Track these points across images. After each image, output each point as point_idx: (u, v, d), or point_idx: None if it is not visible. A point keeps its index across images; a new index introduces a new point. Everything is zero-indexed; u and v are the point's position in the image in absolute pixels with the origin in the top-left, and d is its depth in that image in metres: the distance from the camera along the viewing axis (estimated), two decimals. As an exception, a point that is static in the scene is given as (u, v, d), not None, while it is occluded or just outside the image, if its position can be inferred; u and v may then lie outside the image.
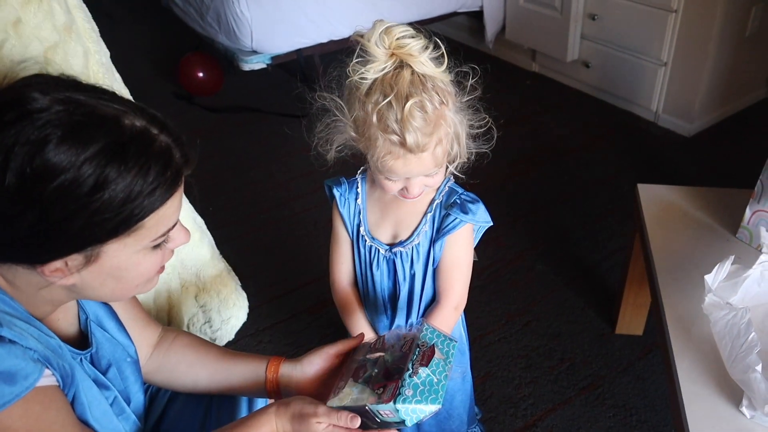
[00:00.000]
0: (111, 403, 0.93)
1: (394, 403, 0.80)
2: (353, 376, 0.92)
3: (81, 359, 0.89)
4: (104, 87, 0.78)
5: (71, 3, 1.28)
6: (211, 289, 1.68)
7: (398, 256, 1.16)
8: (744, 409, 1.05)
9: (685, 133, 2.85)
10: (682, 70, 2.74)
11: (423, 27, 0.98)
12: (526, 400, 1.72)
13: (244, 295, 1.81)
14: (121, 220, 0.73)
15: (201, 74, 3.20)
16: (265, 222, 2.47)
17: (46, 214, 0.69)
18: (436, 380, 0.84)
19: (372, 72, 0.95)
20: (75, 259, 0.74)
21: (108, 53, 1.38)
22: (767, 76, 3.03)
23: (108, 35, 1.41)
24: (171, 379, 1.09)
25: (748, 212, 1.41)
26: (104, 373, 0.93)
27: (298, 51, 3.00)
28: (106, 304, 0.97)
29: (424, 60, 0.95)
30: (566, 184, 2.59)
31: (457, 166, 1.09)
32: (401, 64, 0.95)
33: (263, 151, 2.92)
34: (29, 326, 0.78)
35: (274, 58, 2.97)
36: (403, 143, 0.95)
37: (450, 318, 1.16)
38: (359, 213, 1.18)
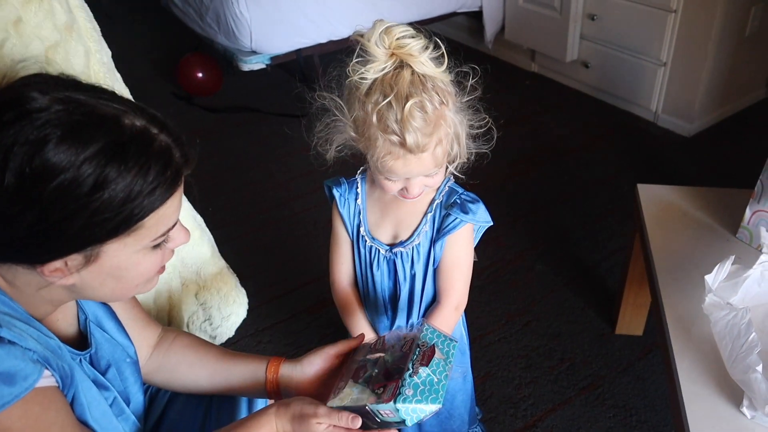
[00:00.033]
0: (110, 403, 0.93)
1: (395, 402, 0.80)
2: (353, 376, 0.92)
3: (80, 360, 0.88)
4: (105, 87, 0.78)
5: (72, 2, 1.28)
6: (211, 286, 1.69)
7: (398, 256, 1.16)
8: (744, 410, 1.05)
9: (684, 133, 2.85)
10: (681, 70, 2.74)
11: (423, 27, 0.98)
12: (526, 401, 1.72)
13: (244, 291, 1.82)
14: (121, 220, 0.73)
15: (200, 74, 3.20)
16: (265, 222, 2.47)
17: (46, 214, 0.69)
18: (436, 380, 0.84)
19: (372, 72, 0.95)
20: (75, 259, 0.74)
21: (109, 53, 1.38)
22: (767, 76, 3.03)
23: (107, 35, 1.41)
24: (171, 379, 1.09)
25: (748, 212, 1.41)
26: (104, 374, 0.93)
27: (298, 51, 3.00)
28: (105, 305, 0.97)
29: (424, 60, 0.95)
30: (566, 184, 2.59)
31: (457, 167, 1.09)
32: (401, 64, 0.95)
33: (262, 151, 2.91)
34: (29, 327, 0.77)
35: (273, 58, 2.97)
36: (403, 143, 0.95)
37: (451, 318, 1.16)
38: (359, 213, 1.18)
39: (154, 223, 0.77)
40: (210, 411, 1.11)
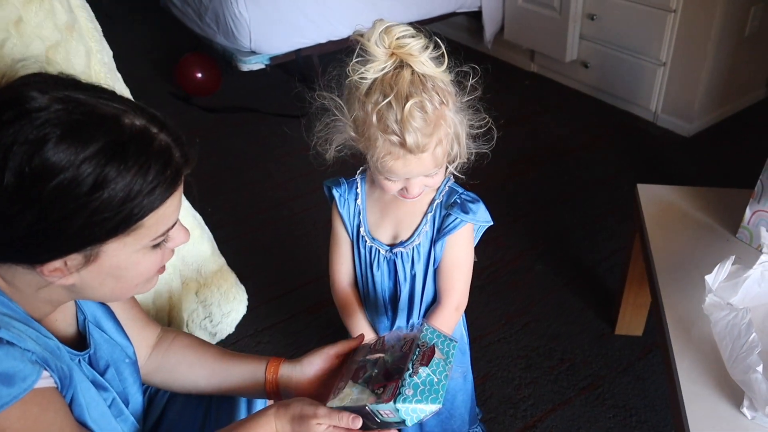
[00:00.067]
0: (109, 404, 0.93)
1: (395, 402, 0.80)
2: (353, 376, 0.91)
3: (79, 360, 0.88)
4: (105, 86, 0.77)
5: (73, 2, 1.27)
6: (212, 284, 1.69)
7: (399, 256, 1.15)
8: (745, 410, 1.05)
9: (684, 133, 2.84)
10: (681, 70, 2.74)
11: (422, 27, 0.97)
12: (526, 401, 1.71)
13: (243, 288, 1.82)
14: (120, 220, 0.73)
15: (199, 75, 3.20)
16: (264, 222, 2.47)
17: (45, 213, 0.69)
18: (436, 380, 0.83)
19: (372, 72, 0.95)
20: (74, 259, 0.74)
21: (111, 53, 1.38)
22: (767, 76, 3.03)
23: (106, 35, 1.40)
24: (170, 379, 1.09)
25: (748, 212, 1.41)
26: (102, 374, 0.93)
27: (297, 51, 3.00)
28: (104, 305, 0.96)
29: (424, 60, 0.95)
30: (566, 184, 2.59)
31: (457, 167, 1.09)
32: (401, 64, 0.95)
33: (261, 151, 2.91)
34: (27, 327, 0.77)
35: (272, 58, 2.96)
36: (403, 144, 0.95)
37: (451, 318, 1.16)
38: (359, 213, 1.18)
39: (153, 223, 0.77)
40: (209, 411, 1.11)
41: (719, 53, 2.66)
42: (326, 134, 1.06)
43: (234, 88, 3.39)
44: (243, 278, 1.87)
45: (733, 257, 1.22)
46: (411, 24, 0.97)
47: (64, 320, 0.91)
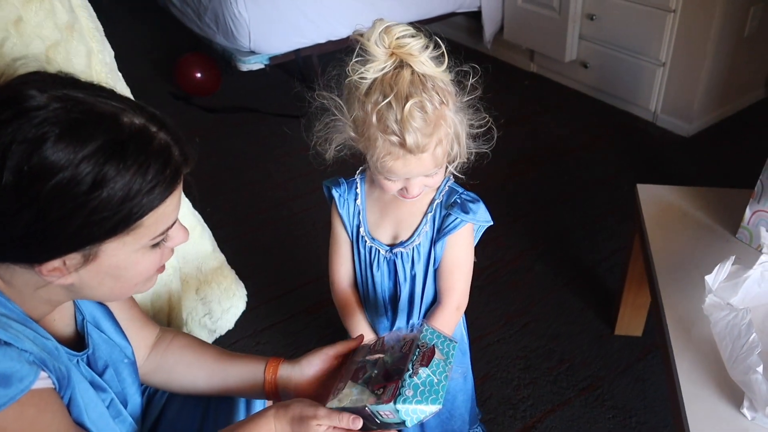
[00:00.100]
0: (108, 405, 0.92)
1: (395, 403, 0.80)
2: (353, 377, 0.91)
3: (77, 361, 0.88)
4: (104, 85, 0.77)
5: (74, 2, 1.27)
6: (212, 281, 1.70)
7: (399, 256, 1.15)
8: (745, 411, 1.05)
9: (684, 133, 2.84)
10: (680, 70, 2.74)
11: (422, 27, 0.97)
12: (525, 402, 1.71)
13: (242, 284, 1.82)
14: (119, 219, 0.72)
15: (199, 74, 3.20)
16: (264, 222, 2.47)
17: (44, 212, 0.68)
18: (436, 380, 0.83)
19: (371, 71, 0.94)
20: (73, 258, 0.74)
21: (112, 53, 1.37)
22: (766, 76, 3.02)
23: (106, 35, 1.40)
24: (169, 380, 1.09)
25: (748, 212, 1.41)
26: (101, 375, 0.92)
27: (296, 51, 3.00)
28: (102, 305, 0.96)
29: (424, 59, 0.94)
30: (565, 184, 2.59)
31: (456, 166, 1.08)
32: (401, 64, 0.94)
33: (261, 151, 2.91)
34: (25, 328, 0.77)
35: (272, 58, 2.96)
36: (402, 144, 0.95)
37: (452, 319, 1.15)
38: (359, 214, 1.17)
39: (153, 222, 0.76)
40: (208, 412, 1.11)
41: (719, 53, 2.66)
42: (326, 134, 1.05)
43: (233, 88, 3.39)
44: (243, 278, 1.87)
45: (733, 257, 1.22)
46: (410, 24, 0.97)
47: (63, 320, 0.91)
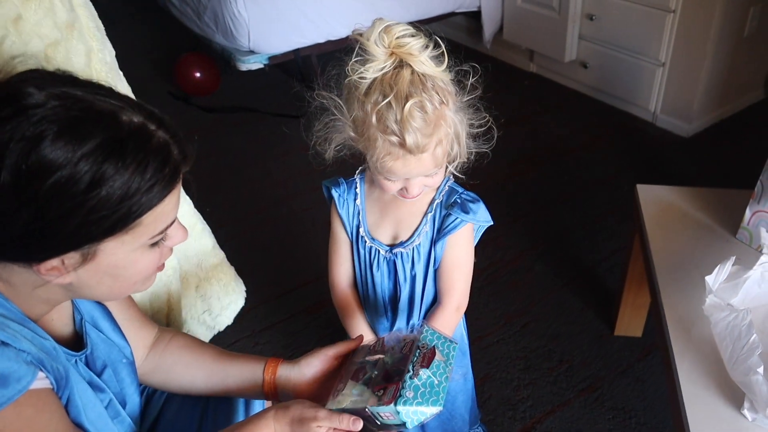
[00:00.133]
0: (106, 405, 0.92)
1: (395, 405, 0.79)
2: (352, 378, 0.91)
3: (76, 361, 0.87)
4: (103, 83, 0.77)
5: (75, 1, 1.27)
6: (212, 277, 1.70)
7: (399, 257, 1.15)
8: (745, 412, 1.04)
9: (683, 133, 2.84)
10: (680, 71, 2.74)
11: (422, 26, 0.97)
12: (525, 402, 1.71)
13: (241, 280, 1.82)
14: (118, 218, 0.72)
15: (198, 74, 3.19)
16: (263, 221, 2.46)
17: (42, 211, 0.68)
18: (436, 382, 0.83)
19: (371, 71, 0.94)
20: (71, 258, 0.73)
21: (113, 52, 1.37)
22: (766, 77, 3.02)
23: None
24: (167, 380, 1.08)
25: (748, 213, 1.41)
26: (99, 375, 0.92)
27: (296, 51, 3.00)
28: (101, 305, 0.96)
29: (424, 59, 0.94)
30: (565, 184, 2.59)
31: (456, 166, 1.08)
32: (401, 64, 0.94)
33: (260, 150, 2.91)
34: (23, 328, 0.76)
35: (271, 58, 2.96)
36: (402, 144, 0.94)
37: (452, 319, 1.15)
38: (358, 214, 1.17)
39: (151, 221, 0.76)
40: (207, 412, 1.10)
41: (718, 53, 2.65)
42: (325, 134, 1.05)
43: (233, 87, 3.38)
44: (242, 277, 1.86)
45: (734, 258, 1.21)
46: (410, 24, 0.96)
47: (61, 320, 0.90)
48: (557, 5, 3.03)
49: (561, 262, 2.17)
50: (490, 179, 2.54)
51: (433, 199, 1.14)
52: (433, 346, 0.88)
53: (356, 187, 1.17)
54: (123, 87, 1.39)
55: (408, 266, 1.15)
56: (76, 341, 0.92)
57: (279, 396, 1.03)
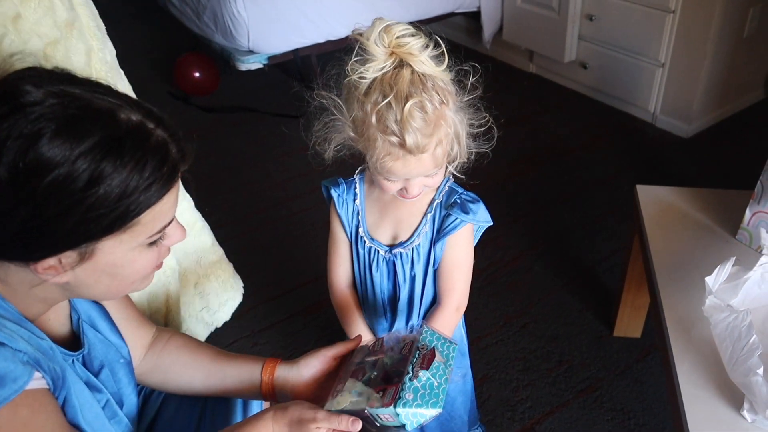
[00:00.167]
0: (103, 406, 0.92)
1: (395, 407, 0.79)
2: (351, 378, 0.91)
3: (72, 361, 0.87)
4: (101, 81, 0.76)
5: (75, 0, 1.26)
6: (210, 274, 1.70)
7: (398, 257, 1.14)
8: (745, 413, 1.04)
9: (683, 134, 2.84)
10: (679, 71, 2.74)
11: (422, 26, 0.96)
12: (524, 403, 1.71)
13: (239, 277, 1.82)
14: (116, 217, 0.72)
15: (197, 74, 3.19)
16: (262, 222, 2.46)
17: (40, 209, 0.68)
18: (436, 384, 0.83)
19: (371, 71, 0.93)
20: (69, 257, 0.73)
21: (114, 51, 1.36)
22: (765, 77, 3.02)
23: (104, 34, 1.39)
24: (165, 380, 1.08)
25: (747, 213, 1.41)
26: (96, 375, 0.91)
27: (295, 51, 2.99)
28: (98, 304, 0.95)
29: (424, 59, 0.94)
30: (565, 185, 2.59)
31: (456, 166, 1.08)
32: (401, 63, 0.94)
33: (260, 151, 2.90)
34: (20, 328, 0.76)
35: (270, 58, 2.95)
36: (402, 144, 0.94)
37: (452, 319, 1.15)
38: (358, 214, 1.17)
39: (150, 220, 0.76)
40: (204, 413, 1.10)
41: (718, 54, 2.65)
42: (325, 134, 1.05)
43: (232, 87, 3.38)
44: (241, 278, 1.86)
45: (734, 258, 1.21)
46: (410, 24, 0.96)
47: (58, 320, 0.90)
48: (557, 6, 3.03)
49: (560, 263, 2.17)
50: (489, 179, 2.54)
51: (433, 200, 1.13)
52: (433, 347, 0.88)
53: (356, 187, 1.17)
54: (124, 86, 1.39)
55: (407, 267, 1.15)
56: (73, 341, 0.91)
57: (277, 396, 1.03)
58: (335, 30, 2.97)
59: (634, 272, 1.71)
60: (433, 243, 1.13)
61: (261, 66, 2.98)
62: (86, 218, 0.70)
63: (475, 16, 3.48)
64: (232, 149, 2.93)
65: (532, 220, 2.39)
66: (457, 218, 1.10)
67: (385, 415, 0.81)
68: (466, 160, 1.07)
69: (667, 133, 2.88)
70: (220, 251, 1.75)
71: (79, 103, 0.70)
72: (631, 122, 2.99)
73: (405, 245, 1.14)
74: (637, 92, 2.94)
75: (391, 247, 1.15)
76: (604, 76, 3.06)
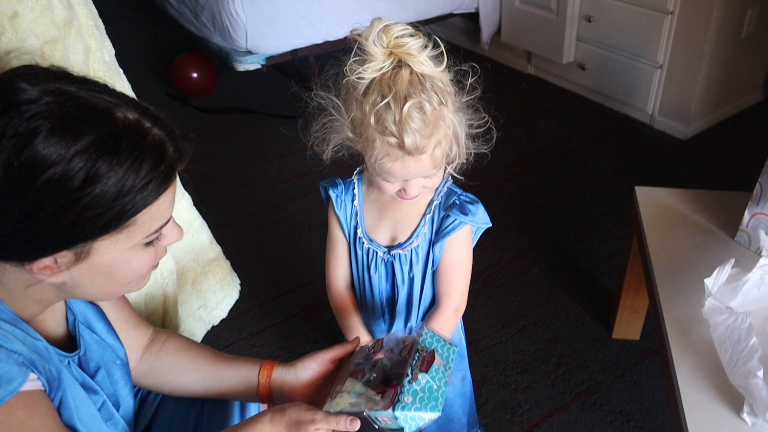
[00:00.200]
0: (99, 407, 0.91)
1: (393, 410, 0.78)
2: (351, 379, 0.90)
3: (68, 362, 0.86)
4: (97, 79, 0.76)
5: None
6: (208, 271, 1.70)
7: (397, 258, 1.14)
8: (745, 416, 1.04)
9: (681, 135, 2.84)
10: (678, 73, 2.74)
11: (421, 26, 0.96)
12: (523, 406, 1.70)
13: (236, 274, 1.82)
14: (112, 216, 0.71)
15: (195, 75, 3.18)
16: (260, 224, 2.45)
17: (35, 209, 0.67)
18: (435, 387, 0.82)
19: (370, 71, 0.93)
20: (64, 256, 0.72)
21: (113, 51, 1.36)
22: (763, 79, 3.02)
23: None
24: (162, 382, 1.07)
25: (746, 215, 1.40)
26: (92, 377, 0.91)
27: (293, 52, 2.99)
28: (95, 305, 0.95)
29: (423, 59, 0.93)
30: (563, 186, 2.58)
31: (455, 167, 1.07)
32: (400, 64, 0.93)
33: (257, 152, 2.90)
34: (15, 328, 0.75)
35: (268, 58, 2.95)
36: (401, 145, 0.93)
37: (450, 321, 1.14)
38: (356, 215, 1.16)
39: (146, 220, 0.75)
40: (201, 415, 1.10)
41: (716, 55, 2.65)
42: (323, 134, 1.04)
43: (230, 88, 3.37)
44: (239, 280, 1.86)
45: (733, 260, 1.21)
46: (408, 24, 0.96)
47: (54, 320, 0.89)
48: (555, 7, 3.03)
49: (559, 265, 2.17)
50: (486, 181, 2.53)
51: (432, 201, 1.13)
52: (433, 350, 0.87)
53: (354, 188, 1.16)
54: (122, 86, 1.38)
55: (406, 268, 1.14)
56: (69, 342, 0.91)
57: (274, 399, 1.02)
58: (333, 31, 2.97)
59: (632, 274, 1.70)
60: (431, 244, 1.12)
61: (259, 66, 2.97)
62: (82, 218, 0.69)
63: (473, 17, 3.48)
64: (230, 150, 2.92)
65: (530, 221, 2.39)
66: (456, 219, 1.09)
67: (384, 417, 0.80)
68: (465, 161, 1.06)
69: (665, 135, 2.88)
70: (217, 248, 1.74)
71: (75, 101, 0.69)
72: (630, 124, 2.99)
73: (403, 246, 1.13)
74: (635, 94, 2.94)
75: (390, 248, 1.14)
76: (603, 77, 3.06)
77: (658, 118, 2.91)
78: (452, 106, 0.99)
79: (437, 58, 0.96)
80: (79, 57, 1.25)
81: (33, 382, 0.75)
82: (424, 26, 0.96)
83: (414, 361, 0.84)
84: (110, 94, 0.73)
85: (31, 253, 0.71)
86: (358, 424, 0.82)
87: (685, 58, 2.68)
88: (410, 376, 0.82)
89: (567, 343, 1.87)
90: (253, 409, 1.10)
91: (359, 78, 0.94)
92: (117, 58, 1.38)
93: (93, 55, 1.29)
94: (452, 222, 1.09)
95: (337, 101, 1.00)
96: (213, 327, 1.76)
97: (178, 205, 1.53)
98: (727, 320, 1.10)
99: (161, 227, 0.79)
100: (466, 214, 1.09)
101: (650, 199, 1.60)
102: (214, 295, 1.73)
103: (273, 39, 2.87)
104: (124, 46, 1.46)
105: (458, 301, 1.14)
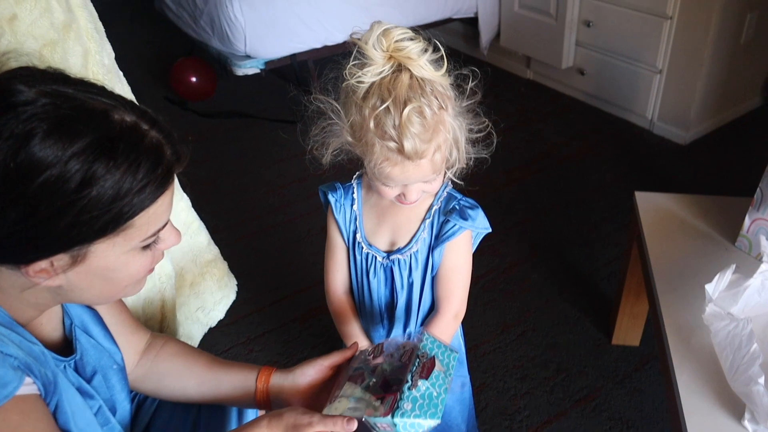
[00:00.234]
0: (96, 412, 0.90)
1: (393, 417, 0.78)
2: (350, 384, 0.89)
3: (65, 366, 0.86)
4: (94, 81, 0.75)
5: (73, 2, 1.25)
6: (206, 273, 1.70)
7: (396, 263, 1.13)
8: (746, 423, 1.03)
9: (680, 141, 2.84)
10: (677, 78, 2.74)
11: (421, 30, 0.96)
12: (522, 412, 1.69)
13: (233, 275, 1.81)
14: (109, 219, 0.70)
15: (194, 79, 3.18)
16: (259, 228, 2.45)
17: (31, 211, 0.66)
18: (435, 394, 0.81)
19: (369, 75, 0.92)
20: (61, 259, 0.72)
21: (112, 54, 1.36)
22: (763, 83, 3.03)
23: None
24: (159, 387, 1.07)
25: (747, 221, 1.40)
26: (89, 381, 0.90)
27: (292, 56, 2.99)
28: (91, 309, 0.94)
29: (423, 63, 0.92)
30: (562, 191, 2.58)
31: (455, 172, 1.07)
32: (399, 68, 0.93)
33: (256, 156, 2.89)
34: (10, 332, 0.75)
35: (267, 63, 2.95)
36: (400, 150, 0.93)
37: (450, 326, 1.13)
38: (355, 219, 1.15)
39: (144, 223, 0.75)
40: (199, 420, 1.09)
41: (715, 60, 2.65)
42: (322, 138, 1.03)
43: (229, 92, 3.37)
44: (237, 284, 1.85)
45: (734, 266, 1.20)
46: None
47: (50, 324, 0.88)
48: (554, 12, 3.03)
49: (558, 270, 2.16)
50: (485, 186, 2.53)
51: (432, 206, 1.12)
52: (433, 356, 0.86)
53: (353, 193, 1.16)
54: (122, 89, 1.38)
55: (405, 273, 1.14)
56: (65, 346, 0.90)
57: (271, 405, 1.01)
58: (332, 35, 2.97)
59: (632, 280, 1.70)
60: (431, 249, 1.11)
61: (258, 71, 2.97)
62: (78, 220, 0.68)
63: (472, 22, 3.48)
64: (229, 154, 2.92)
65: (530, 227, 2.39)
66: (455, 224, 1.08)
67: (383, 424, 0.79)
68: (464, 166, 1.06)
69: (664, 140, 2.88)
70: (215, 249, 1.74)
71: (72, 103, 0.69)
72: (629, 129, 2.99)
73: (403, 251, 1.12)
74: (634, 99, 2.94)
75: (389, 253, 1.14)
76: (602, 82, 3.06)
77: (657, 123, 2.91)
78: (452, 111, 0.98)
79: (437, 62, 0.95)
80: (78, 60, 1.24)
81: (28, 387, 0.74)
82: (423, 31, 0.96)
83: (414, 367, 0.84)
84: (108, 96, 0.72)
85: (27, 256, 0.71)
86: (355, 425, 0.82)
87: (685, 63, 2.68)
88: (410, 382, 0.81)
89: (566, 349, 1.87)
90: (251, 415, 1.10)
91: (359, 82, 0.93)
92: (116, 62, 1.38)
93: (92, 59, 1.29)
94: (452, 227, 1.09)
95: (337, 105, 0.99)
96: (211, 331, 1.76)
97: (177, 206, 1.52)
98: (728, 326, 1.10)
99: (159, 231, 0.78)
100: (465, 219, 1.08)
101: (650, 204, 1.60)
102: (212, 296, 1.73)
103: (272, 43, 2.87)
104: (122, 50, 1.46)
105: (458, 307, 1.14)
